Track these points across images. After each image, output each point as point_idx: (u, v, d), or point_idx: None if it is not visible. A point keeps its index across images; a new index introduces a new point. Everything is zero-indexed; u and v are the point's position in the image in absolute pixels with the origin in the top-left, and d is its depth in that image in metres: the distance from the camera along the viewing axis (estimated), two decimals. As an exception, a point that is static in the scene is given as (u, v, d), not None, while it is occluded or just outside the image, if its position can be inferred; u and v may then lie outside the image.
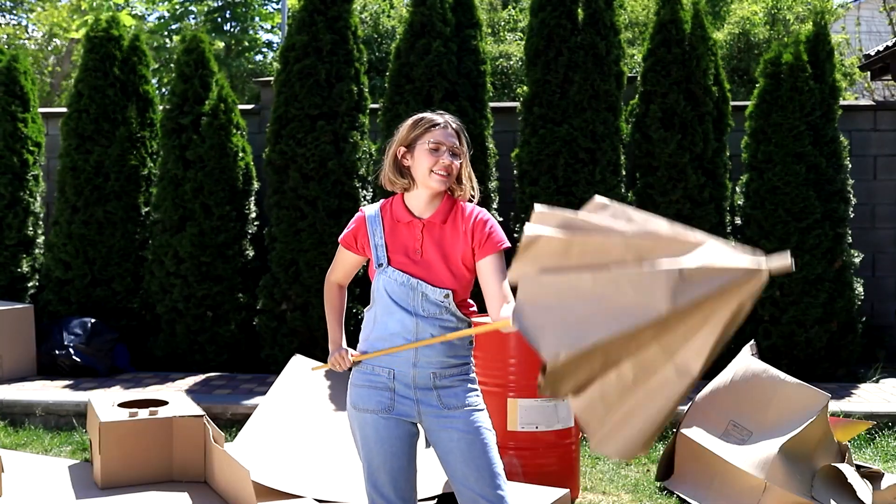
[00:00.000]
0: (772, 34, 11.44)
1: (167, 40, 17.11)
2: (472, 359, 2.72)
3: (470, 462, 2.58)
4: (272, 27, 18.93)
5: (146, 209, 7.34)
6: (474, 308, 2.72)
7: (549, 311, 1.93)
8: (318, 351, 6.66)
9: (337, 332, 2.82)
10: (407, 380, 2.62)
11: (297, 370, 5.58)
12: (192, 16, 17.71)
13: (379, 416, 2.63)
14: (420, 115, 2.69)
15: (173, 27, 17.68)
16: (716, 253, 1.80)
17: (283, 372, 5.51)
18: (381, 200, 2.76)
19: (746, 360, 4.36)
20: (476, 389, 2.69)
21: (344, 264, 2.84)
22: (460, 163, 2.65)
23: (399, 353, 2.61)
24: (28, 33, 16.73)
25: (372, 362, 2.66)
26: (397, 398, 2.62)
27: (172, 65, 9.48)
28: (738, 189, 6.79)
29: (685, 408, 4.58)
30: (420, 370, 2.61)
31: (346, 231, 2.78)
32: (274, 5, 19.31)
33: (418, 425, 2.70)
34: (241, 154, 7.01)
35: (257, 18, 18.36)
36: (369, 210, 2.73)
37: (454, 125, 2.67)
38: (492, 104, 7.20)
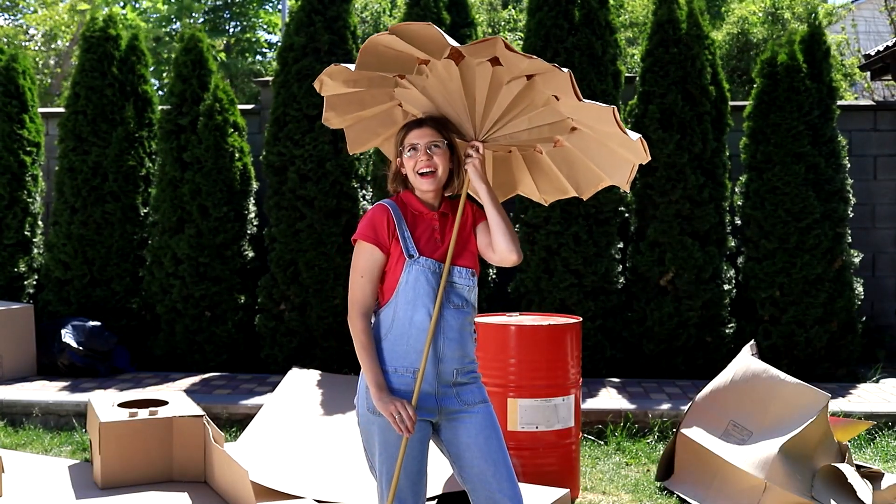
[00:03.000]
0: (771, 33, 11.44)
1: (168, 38, 17.10)
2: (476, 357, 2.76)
3: (488, 458, 2.60)
4: (272, 28, 18.93)
5: (145, 210, 7.34)
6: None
7: None
8: (316, 350, 6.67)
9: (381, 376, 2.56)
10: (430, 377, 2.60)
11: (296, 379, 5.60)
12: (193, 14, 17.72)
13: None
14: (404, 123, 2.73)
15: (173, 27, 17.67)
16: None
17: (283, 381, 5.54)
18: (386, 199, 2.74)
19: (746, 360, 4.36)
20: (484, 387, 2.73)
21: (370, 275, 2.59)
22: (446, 151, 2.65)
23: (423, 350, 2.57)
24: (28, 34, 16.71)
25: (393, 364, 2.60)
26: (420, 398, 2.59)
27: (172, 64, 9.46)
28: (737, 189, 6.79)
29: (685, 408, 4.58)
30: (445, 366, 2.61)
31: (363, 228, 2.61)
32: (273, 5, 19.31)
33: (432, 424, 2.67)
34: (238, 154, 7.00)
35: (259, 19, 18.35)
36: (387, 202, 2.67)
37: (430, 120, 2.68)
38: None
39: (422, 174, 2.62)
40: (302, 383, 5.57)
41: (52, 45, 16.03)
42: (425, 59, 2.57)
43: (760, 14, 12.03)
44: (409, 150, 2.63)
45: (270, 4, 19.35)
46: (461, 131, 2.72)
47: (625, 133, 2.53)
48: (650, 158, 2.61)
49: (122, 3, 18.09)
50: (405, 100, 2.75)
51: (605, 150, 2.74)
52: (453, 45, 2.41)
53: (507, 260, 2.63)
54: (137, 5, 18.41)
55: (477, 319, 2.83)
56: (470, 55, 2.50)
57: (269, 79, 7.50)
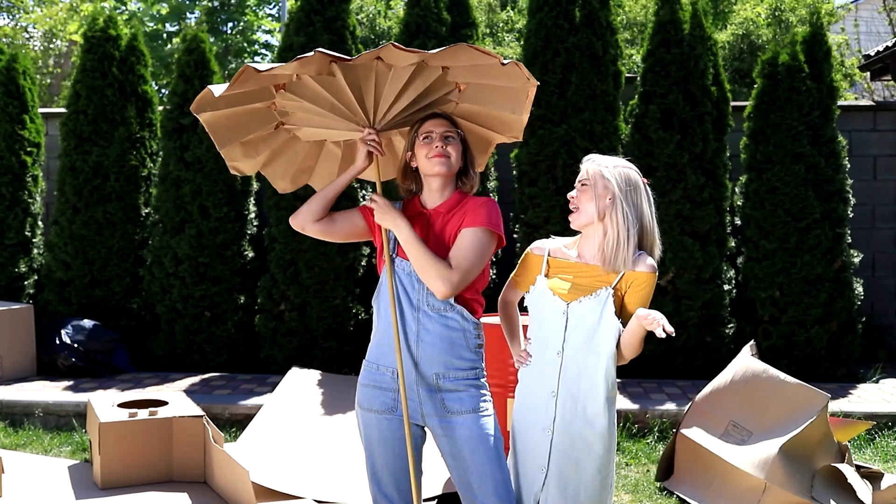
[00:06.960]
0: (775, 35, 11.45)
1: (167, 44, 17.08)
2: (482, 363, 2.66)
3: (472, 469, 2.55)
4: (270, 30, 18.91)
5: (146, 210, 7.34)
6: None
7: None
8: (316, 350, 6.66)
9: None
10: (409, 380, 2.57)
11: (296, 379, 5.60)
12: (191, 14, 17.70)
13: (382, 416, 2.60)
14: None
15: (171, 28, 17.66)
16: None
17: (283, 381, 5.54)
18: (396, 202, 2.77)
19: (746, 360, 4.36)
20: (485, 395, 2.64)
21: (346, 214, 2.82)
22: (459, 145, 2.65)
23: (401, 353, 2.58)
24: (28, 33, 16.70)
25: (377, 362, 2.64)
26: (400, 398, 2.58)
27: (173, 66, 9.46)
28: (737, 189, 6.79)
29: (685, 408, 4.58)
30: (421, 369, 2.57)
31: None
32: (270, 7, 19.29)
33: (421, 428, 2.67)
34: (239, 154, 6.99)
35: (254, 19, 18.31)
36: (397, 203, 2.75)
37: (444, 114, 2.69)
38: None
39: (435, 155, 2.59)
40: (302, 383, 5.57)
41: (52, 45, 16.00)
42: (277, 92, 2.66)
43: (765, 16, 12.04)
44: (423, 138, 2.63)
45: (268, 5, 19.33)
46: (355, 128, 2.73)
47: (492, 56, 2.48)
48: (536, 82, 2.61)
49: (119, 10, 18.03)
50: (293, 124, 2.82)
51: (496, 91, 2.71)
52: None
53: (438, 294, 2.52)
54: (125, 9, 18.36)
55: (486, 320, 2.78)
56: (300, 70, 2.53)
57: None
